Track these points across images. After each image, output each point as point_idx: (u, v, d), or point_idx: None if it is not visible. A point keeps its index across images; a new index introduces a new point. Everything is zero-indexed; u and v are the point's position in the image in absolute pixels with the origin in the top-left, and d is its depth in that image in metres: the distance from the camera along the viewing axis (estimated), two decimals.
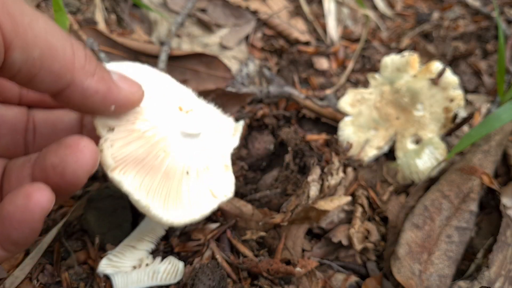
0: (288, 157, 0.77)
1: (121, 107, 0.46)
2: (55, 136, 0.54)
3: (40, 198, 0.38)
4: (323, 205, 0.67)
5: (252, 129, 0.87)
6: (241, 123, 0.69)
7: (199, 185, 0.56)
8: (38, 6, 0.97)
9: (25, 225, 0.38)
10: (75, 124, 0.55)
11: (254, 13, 1.20)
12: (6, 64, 0.35)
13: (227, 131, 0.66)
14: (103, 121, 0.48)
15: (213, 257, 0.65)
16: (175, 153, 0.53)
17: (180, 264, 0.62)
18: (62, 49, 0.38)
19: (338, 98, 0.95)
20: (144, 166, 0.50)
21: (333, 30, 1.26)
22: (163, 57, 0.93)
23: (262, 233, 0.68)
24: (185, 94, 0.62)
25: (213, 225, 0.70)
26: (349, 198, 0.70)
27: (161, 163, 0.51)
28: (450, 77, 0.82)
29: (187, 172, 0.55)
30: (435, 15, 1.38)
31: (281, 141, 0.82)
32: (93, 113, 0.46)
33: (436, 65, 0.83)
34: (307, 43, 1.19)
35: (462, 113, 0.95)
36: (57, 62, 0.38)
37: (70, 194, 0.44)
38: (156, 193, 0.50)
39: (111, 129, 0.48)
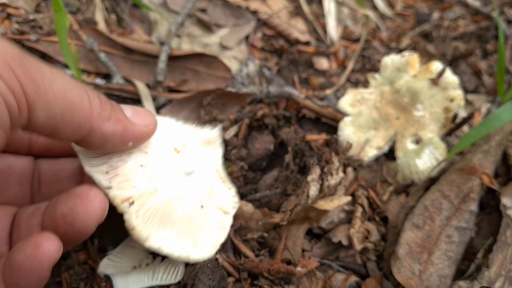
0: (288, 157, 0.77)
1: (138, 141, 0.50)
2: (58, 184, 0.57)
3: (48, 247, 0.40)
4: (323, 205, 0.67)
5: (252, 129, 0.87)
6: (217, 130, 0.70)
7: (213, 211, 0.60)
8: (38, 6, 0.97)
9: (33, 273, 0.40)
10: (77, 171, 0.58)
11: (254, 13, 1.20)
12: (31, 122, 0.39)
13: (211, 143, 0.68)
14: (119, 195, 0.49)
15: None
16: (188, 194, 0.56)
17: (180, 264, 0.62)
18: (80, 103, 0.42)
19: (338, 98, 0.95)
20: (169, 222, 0.53)
21: (333, 30, 1.26)
22: (163, 57, 0.93)
23: (262, 233, 0.68)
24: (172, 127, 0.64)
25: None
26: (349, 198, 0.70)
27: (181, 212, 0.55)
28: (450, 77, 0.82)
29: (202, 206, 0.58)
30: (435, 15, 1.38)
31: (281, 141, 0.82)
32: (112, 151, 0.50)
33: (436, 65, 0.83)
34: (307, 43, 1.19)
35: (462, 113, 0.95)
36: (76, 115, 0.41)
37: (78, 242, 0.46)
38: (185, 241, 0.54)
39: (131, 203, 0.50)
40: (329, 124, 0.93)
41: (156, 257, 0.64)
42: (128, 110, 0.50)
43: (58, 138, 0.43)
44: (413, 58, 0.87)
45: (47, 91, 0.38)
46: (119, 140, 0.47)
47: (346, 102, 0.90)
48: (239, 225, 0.70)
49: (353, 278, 0.66)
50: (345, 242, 0.69)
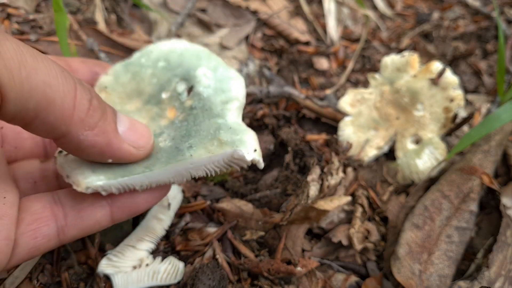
0: (288, 157, 0.77)
1: (120, 160, 0.45)
2: None
3: None
4: (323, 205, 0.67)
5: (252, 129, 0.87)
6: None
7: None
8: (38, 6, 0.97)
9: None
10: None
11: (254, 13, 1.20)
12: (2, 112, 0.36)
13: None
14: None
15: (213, 257, 0.65)
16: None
17: (180, 264, 0.62)
18: (60, 101, 0.38)
19: (338, 98, 0.95)
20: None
21: (333, 30, 1.26)
22: None
23: (262, 233, 0.68)
24: None
25: (213, 229, 0.70)
26: (349, 198, 0.70)
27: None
28: (450, 77, 0.82)
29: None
30: (435, 15, 1.38)
31: (281, 141, 0.82)
32: (87, 159, 0.46)
33: (436, 65, 0.83)
34: (307, 43, 1.19)
35: (462, 113, 0.95)
36: (52, 114, 0.38)
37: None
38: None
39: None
40: (329, 124, 0.93)
41: (156, 257, 0.64)
42: (125, 122, 0.45)
43: (31, 131, 0.40)
44: (413, 58, 0.87)
45: (22, 83, 0.35)
46: (97, 153, 0.43)
47: (346, 102, 0.90)
48: (238, 225, 0.70)
49: (353, 278, 0.66)
50: (345, 242, 0.69)
